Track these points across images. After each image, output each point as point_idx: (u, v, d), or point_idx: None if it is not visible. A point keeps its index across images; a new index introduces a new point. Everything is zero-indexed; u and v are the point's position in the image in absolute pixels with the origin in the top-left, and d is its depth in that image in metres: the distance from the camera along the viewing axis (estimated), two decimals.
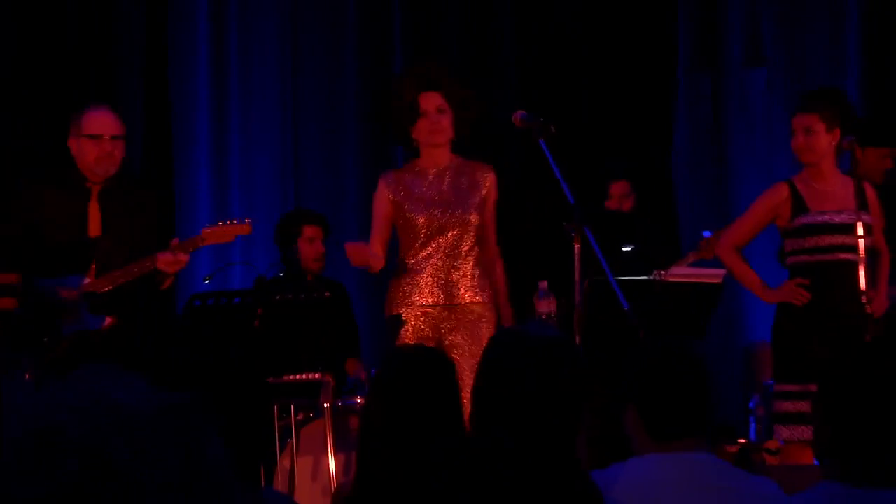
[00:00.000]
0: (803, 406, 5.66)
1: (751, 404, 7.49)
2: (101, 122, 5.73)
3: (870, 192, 5.92)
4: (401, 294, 5.62)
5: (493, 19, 8.38)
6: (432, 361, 3.23)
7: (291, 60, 8.23)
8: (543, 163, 5.26)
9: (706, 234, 6.77)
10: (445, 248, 5.63)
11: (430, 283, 5.61)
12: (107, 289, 5.61)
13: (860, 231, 5.68)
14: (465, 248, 5.64)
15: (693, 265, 6.52)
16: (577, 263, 5.05)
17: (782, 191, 5.88)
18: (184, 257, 5.64)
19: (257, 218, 8.02)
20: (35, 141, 7.34)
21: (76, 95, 7.56)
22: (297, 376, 6.03)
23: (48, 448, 1.04)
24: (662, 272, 6.10)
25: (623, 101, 8.33)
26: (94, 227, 5.70)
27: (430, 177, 5.69)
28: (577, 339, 5.00)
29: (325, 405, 6.01)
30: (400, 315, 5.56)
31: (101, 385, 1.10)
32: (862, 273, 5.66)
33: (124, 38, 7.84)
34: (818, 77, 8.04)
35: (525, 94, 8.09)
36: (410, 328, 5.57)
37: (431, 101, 5.65)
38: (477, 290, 5.62)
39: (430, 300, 5.60)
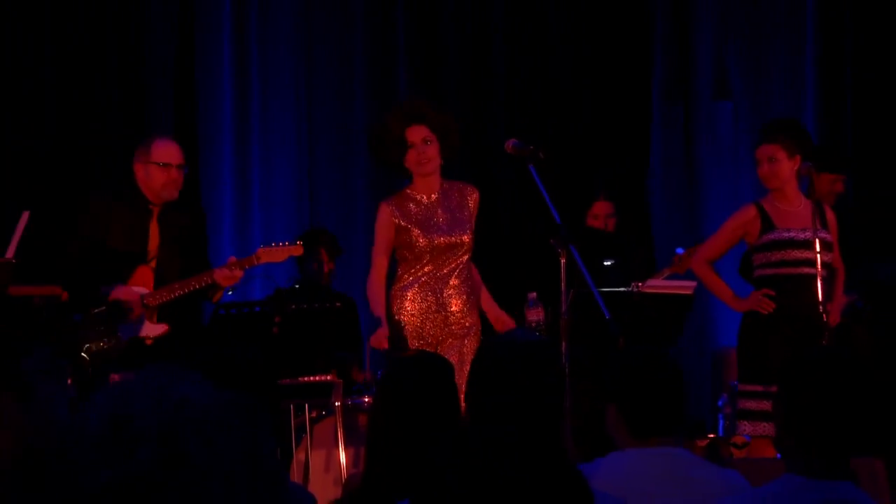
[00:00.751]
0: (765, 405, 5.66)
1: (719, 403, 7.48)
2: (170, 152, 5.75)
3: (829, 213, 5.93)
4: (401, 304, 5.61)
5: (487, 57, 8.39)
6: (432, 365, 3.23)
7: (306, 93, 8.23)
8: (533, 186, 5.28)
9: (679, 250, 6.78)
10: (442, 264, 5.61)
11: (428, 296, 5.59)
12: (165, 299, 5.62)
13: (818, 247, 5.69)
14: (459, 264, 5.63)
15: (667, 278, 6.52)
16: (563, 276, 5.04)
17: (750, 211, 5.89)
18: (239, 273, 5.66)
19: (275, 233, 8.06)
20: (61, 146, 7.37)
21: (114, 121, 7.59)
22: (311, 378, 6.02)
23: (123, 436, 1.04)
24: (640, 284, 6.10)
25: (604, 130, 8.34)
26: (154, 245, 5.72)
27: (426, 202, 5.68)
28: (564, 345, 5.00)
29: (337, 404, 6.00)
30: (402, 322, 5.55)
31: (169, 381, 1.10)
32: (819, 285, 5.66)
33: (157, 74, 7.86)
34: (778, 109, 8.05)
35: (516, 123, 8.09)
36: (412, 335, 5.56)
37: (417, 134, 5.61)
38: (466, 300, 5.61)
39: (429, 310, 5.59)
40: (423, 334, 5.56)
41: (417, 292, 5.60)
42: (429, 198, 5.68)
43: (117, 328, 5.53)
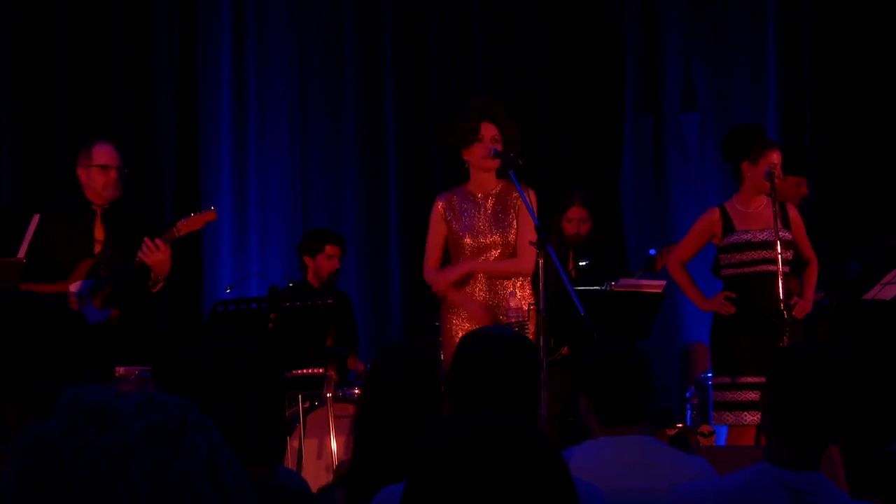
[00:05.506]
0: (732, 396, 5.66)
1: (687, 394, 7.47)
2: (109, 155, 5.77)
3: (792, 212, 5.92)
4: (449, 307, 5.42)
5: (469, 73, 8.38)
6: (417, 357, 3.22)
7: (300, 106, 8.23)
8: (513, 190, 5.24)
9: (652, 252, 6.79)
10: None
11: (474, 297, 5.39)
12: (103, 287, 5.61)
13: (779, 248, 5.67)
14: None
15: (639, 277, 6.51)
16: (541, 275, 5.02)
17: (714, 214, 5.89)
18: (163, 248, 5.58)
19: (270, 235, 8.04)
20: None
21: (122, 134, 7.56)
22: (305, 371, 5.99)
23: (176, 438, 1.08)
24: (613, 283, 6.08)
25: (580, 139, 8.33)
26: (99, 243, 5.73)
27: (478, 200, 5.47)
28: (542, 339, 4.96)
29: (328, 395, 5.98)
30: (447, 316, 5.38)
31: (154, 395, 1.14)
32: (780, 285, 5.64)
33: (162, 89, 7.84)
34: (742, 120, 8.04)
35: None
36: (456, 326, 5.36)
37: (489, 131, 5.39)
38: (515, 305, 5.36)
39: (475, 315, 5.36)
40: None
41: (464, 294, 5.38)
42: (481, 197, 5.48)
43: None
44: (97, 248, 5.71)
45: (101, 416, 1.07)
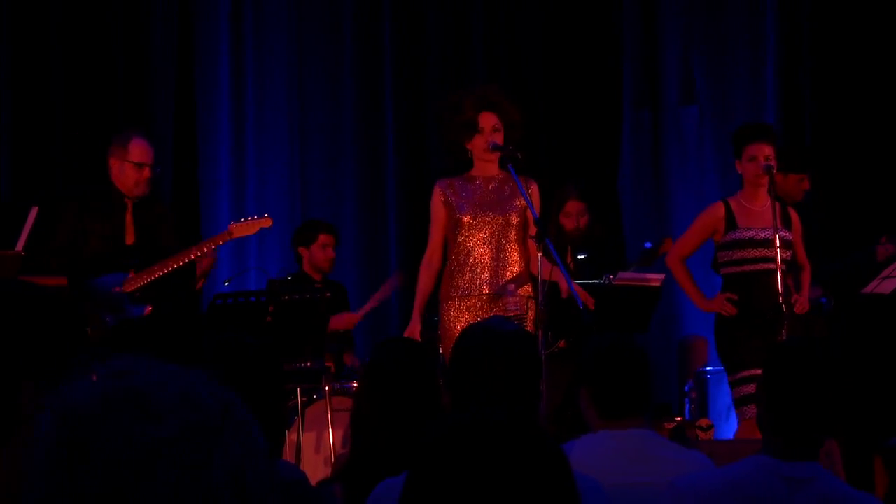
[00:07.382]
0: (739, 391, 5.65)
1: (686, 388, 7.47)
2: (146, 152, 5.71)
3: (792, 214, 5.89)
4: (448, 286, 5.38)
5: (468, 66, 8.38)
6: (414, 350, 3.21)
7: (298, 100, 8.21)
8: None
9: (647, 245, 6.76)
10: (488, 245, 5.37)
11: (474, 277, 5.35)
12: (146, 282, 5.57)
13: (777, 243, 5.65)
14: (507, 246, 5.37)
15: (636, 270, 6.50)
16: (539, 268, 5.00)
17: (719, 209, 5.84)
18: (213, 248, 5.60)
19: (268, 230, 8.03)
20: (77, 155, 7.32)
21: (120, 125, 7.55)
22: (303, 364, 5.98)
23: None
24: (611, 276, 6.07)
25: (579, 134, 8.33)
26: (130, 235, 5.69)
27: (480, 182, 5.42)
28: (540, 333, 4.94)
29: (326, 388, 5.97)
30: (445, 306, 5.35)
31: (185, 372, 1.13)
32: (779, 280, 5.63)
33: (159, 83, 7.83)
34: (741, 114, 8.04)
35: None
36: (454, 317, 5.34)
37: (489, 121, 5.35)
38: (515, 283, 5.34)
39: (473, 291, 5.34)
40: (465, 317, 5.26)
41: (464, 273, 5.34)
42: (483, 179, 5.43)
43: (103, 315, 5.48)
44: (128, 240, 5.68)
45: (141, 401, 1.05)
